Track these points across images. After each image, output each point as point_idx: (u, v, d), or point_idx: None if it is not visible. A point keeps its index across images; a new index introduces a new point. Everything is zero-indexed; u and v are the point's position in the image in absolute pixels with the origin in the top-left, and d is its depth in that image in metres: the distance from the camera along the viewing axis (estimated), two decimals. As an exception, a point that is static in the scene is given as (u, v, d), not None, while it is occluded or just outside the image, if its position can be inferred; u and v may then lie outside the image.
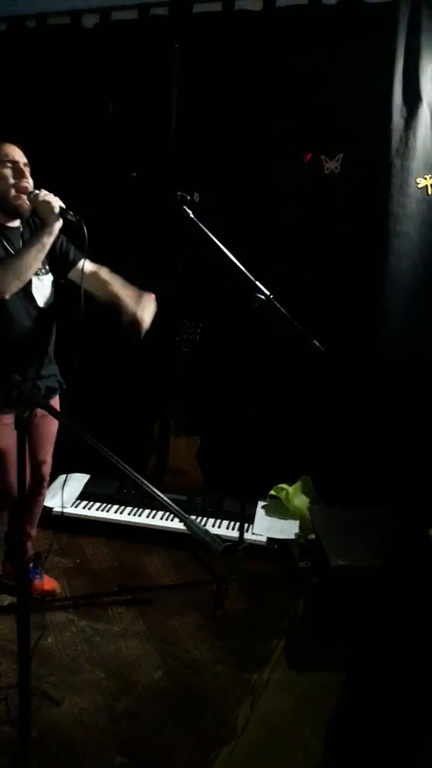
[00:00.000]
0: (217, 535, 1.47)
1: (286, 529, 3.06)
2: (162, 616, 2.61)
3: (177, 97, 3.28)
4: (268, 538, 3.00)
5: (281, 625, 2.61)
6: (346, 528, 2.75)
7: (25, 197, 2.19)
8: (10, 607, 2.51)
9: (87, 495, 3.24)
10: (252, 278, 2.52)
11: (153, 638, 2.49)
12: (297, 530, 3.05)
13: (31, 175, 2.25)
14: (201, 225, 2.48)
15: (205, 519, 3.12)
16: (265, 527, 3.06)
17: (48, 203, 2.15)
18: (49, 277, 2.36)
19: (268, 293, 2.53)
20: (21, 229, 2.31)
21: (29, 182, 2.22)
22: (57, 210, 2.14)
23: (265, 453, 3.29)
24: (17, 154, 2.23)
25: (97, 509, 3.15)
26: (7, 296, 2.12)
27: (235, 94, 3.18)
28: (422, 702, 1.93)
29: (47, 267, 2.33)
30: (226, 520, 3.12)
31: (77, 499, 3.20)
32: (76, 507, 3.15)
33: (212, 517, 3.14)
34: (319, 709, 2.15)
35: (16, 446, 1.74)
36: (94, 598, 2.65)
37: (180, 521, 1.43)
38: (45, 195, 2.17)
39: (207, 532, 1.43)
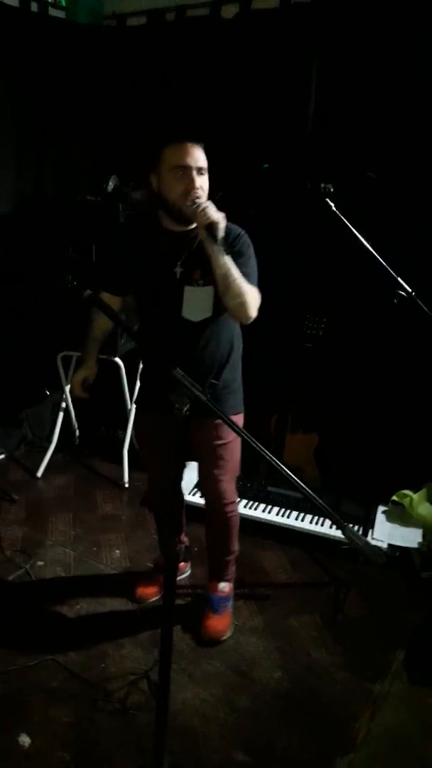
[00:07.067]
0: (376, 546, 1.39)
1: (408, 536, 2.95)
2: (280, 614, 2.59)
3: (316, 85, 3.21)
4: (389, 545, 2.89)
5: (402, 636, 2.52)
6: None
7: (193, 207, 2.00)
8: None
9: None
10: (393, 274, 2.42)
11: (272, 636, 2.47)
12: (420, 539, 2.93)
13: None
14: (343, 218, 2.40)
15: (322, 519, 3.06)
16: (386, 533, 2.96)
17: (204, 218, 1.96)
18: (208, 290, 2.15)
19: (410, 290, 2.41)
20: (196, 233, 2.10)
21: (198, 192, 2.02)
22: (204, 226, 1.96)
23: (387, 456, 3.18)
24: (191, 158, 2.02)
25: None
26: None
27: (376, 79, 3.07)
28: None
29: (206, 277, 2.12)
30: (345, 522, 3.03)
31: (194, 487, 3.22)
32: (193, 495, 3.15)
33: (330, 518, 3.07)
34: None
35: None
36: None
37: (338, 528, 1.38)
38: (205, 211, 1.96)
39: (367, 542, 1.37)
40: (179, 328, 2.18)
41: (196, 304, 2.17)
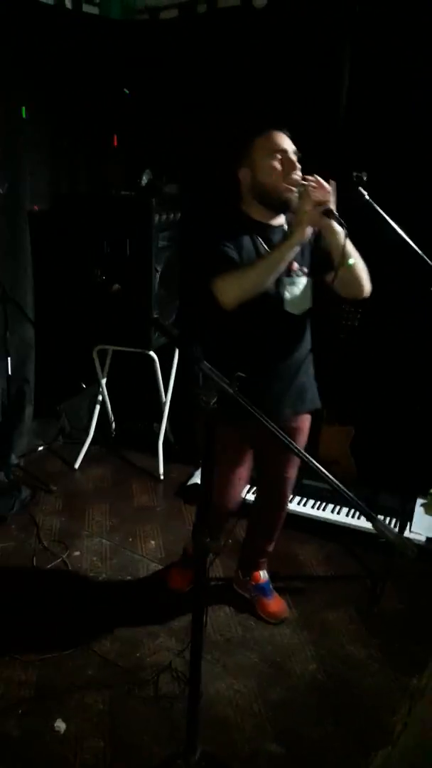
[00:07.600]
0: (407, 539, 1.36)
1: (448, 530, 2.89)
2: (315, 606, 2.57)
3: (349, 72, 3.16)
4: (428, 538, 2.84)
5: (441, 631, 2.47)
6: None
7: (295, 191, 1.96)
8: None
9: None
10: (430, 261, 2.35)
11: (306, 628, 2.46)
12: (459, 532, 2.87)
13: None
14: (377, 207, 2.34)
15: (357, 512, 3.01)
16: (425, 526, 2.90)
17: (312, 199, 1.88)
18: (307, 281, 2.12)
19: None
20: (285, 227, 2.10)
21: (299, 174, 2.00)
22: (320, 211, 1.89)
23: (425, 448, 3.11)
24: (286, 142, 2.02)
25: (247, 492, 3.14)
26: (231, 308, 1.95)
27: (411, 64, 2.99)
28: None
29: (305, 269, 2.11)
30: (381, 515, 2.99)
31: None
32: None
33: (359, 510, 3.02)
34: None
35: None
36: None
37: (368, 521, 1.35)
38: (334, 189, 1.91)
39: (398, 534, 1.34)
40: (282, 322, 2.12)
41: (297, 296, 2.11)
